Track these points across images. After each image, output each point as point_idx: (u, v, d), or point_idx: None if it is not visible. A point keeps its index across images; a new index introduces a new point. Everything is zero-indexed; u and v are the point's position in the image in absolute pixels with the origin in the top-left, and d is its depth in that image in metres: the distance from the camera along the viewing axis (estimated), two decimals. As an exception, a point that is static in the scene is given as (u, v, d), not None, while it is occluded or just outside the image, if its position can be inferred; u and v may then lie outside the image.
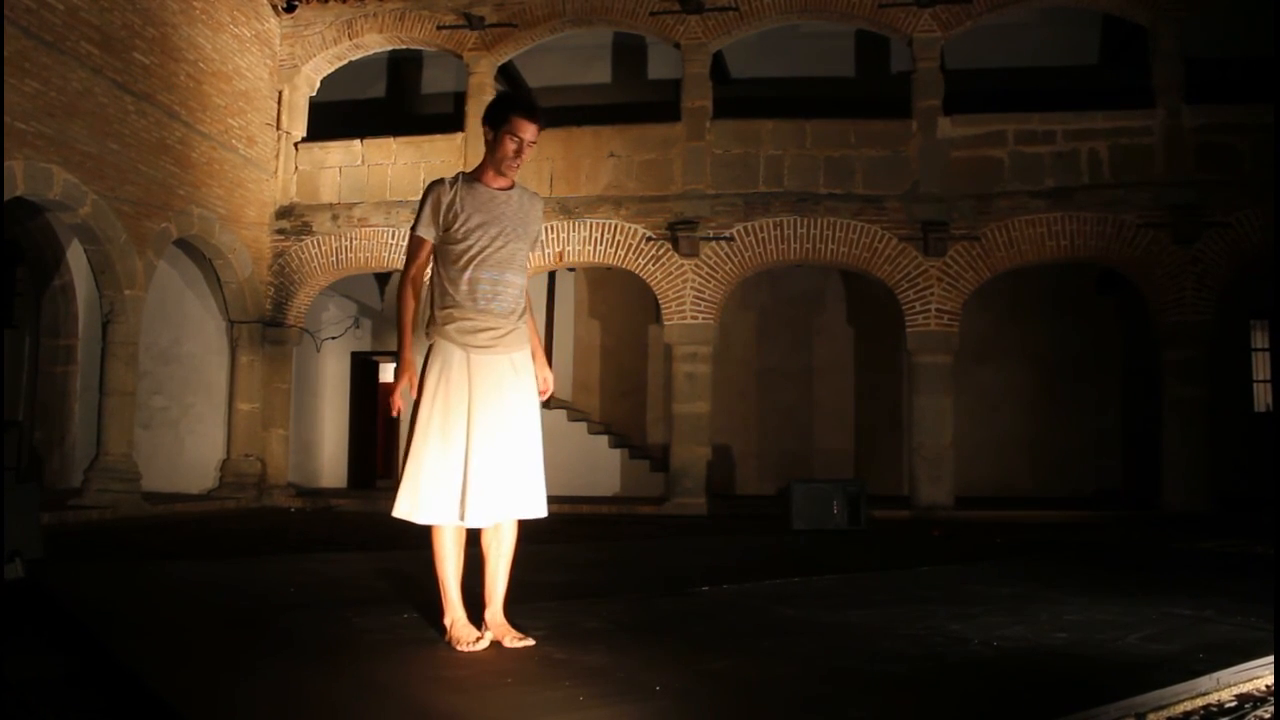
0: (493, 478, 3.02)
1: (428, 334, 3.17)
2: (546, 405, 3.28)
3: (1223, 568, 5.74)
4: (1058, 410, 12.66)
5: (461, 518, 3.02)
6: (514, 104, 3.14)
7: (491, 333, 3.09)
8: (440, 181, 3.19)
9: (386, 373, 14.63)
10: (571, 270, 13.19)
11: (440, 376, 3.07)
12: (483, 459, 3.01)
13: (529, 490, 3.10)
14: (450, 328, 3.09)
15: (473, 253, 3.09)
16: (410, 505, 3.02)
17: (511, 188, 3.20)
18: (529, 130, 3.11)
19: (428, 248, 3.18)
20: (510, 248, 3.15)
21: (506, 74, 12.78)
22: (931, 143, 10.70)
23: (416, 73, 14.13)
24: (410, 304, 3.15)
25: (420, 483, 3.01)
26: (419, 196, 3.21)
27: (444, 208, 3.12)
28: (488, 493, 3.01)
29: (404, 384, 3.10)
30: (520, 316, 3.17)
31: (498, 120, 3.12)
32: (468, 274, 3.09)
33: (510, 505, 3.06)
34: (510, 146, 3.11)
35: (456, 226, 3.11)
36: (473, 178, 3.19)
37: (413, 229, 3.18)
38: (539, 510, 3.12)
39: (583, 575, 5.08)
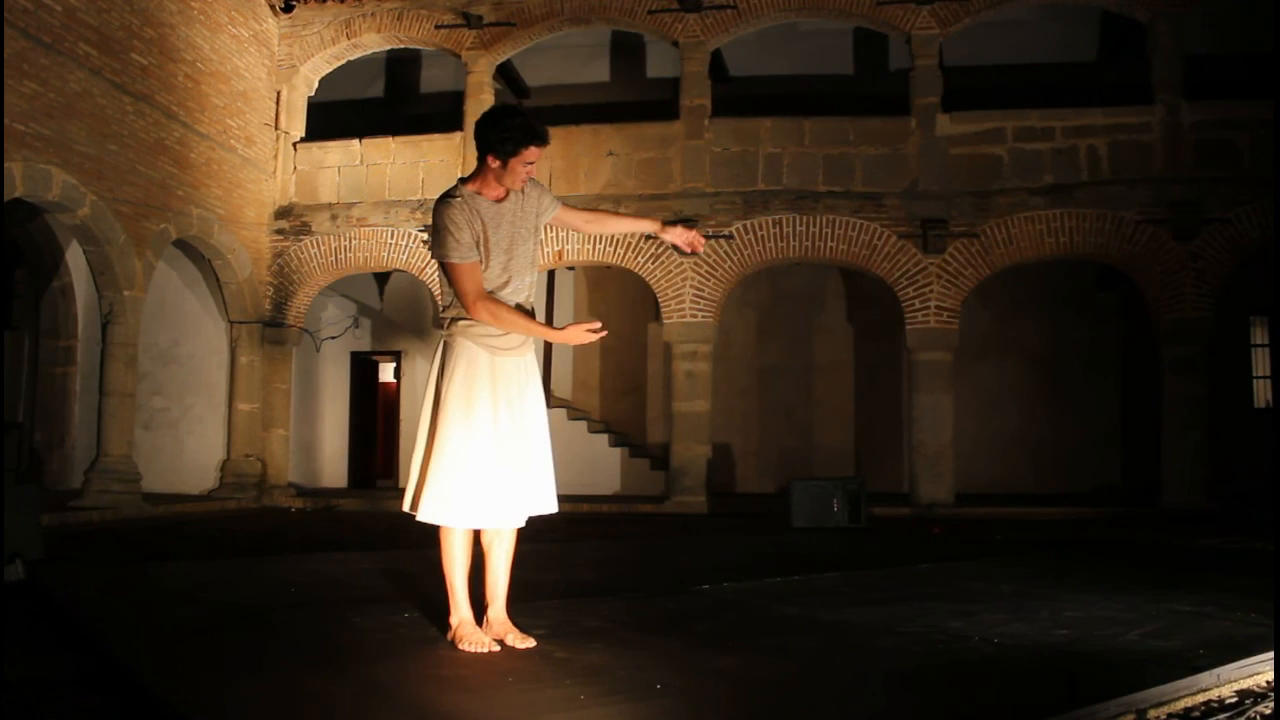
0: (521, 480, 3.07)
1: (447, 332, 3.14)
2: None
3: (1223, 564, 5.74)
4: (1057, 407, 12.66)
5: (496, 521, 3.05)
6: (522, 134, 3.01)
7: (514, 334, 3.11)
8: (449, 201, 3.06)
9: (386, 372, 14.67)
10: (571, 269, 13.19)
11: (465, 376, 3.06)
12: (511, 461, 3.05)
13: (546, 488, 3.16)
14: (476, 330, 3.08)
15: (494, 270, 3.09)
16: (436, 506, 3.00)
17: (506, 195, 3.15)
18: (538, 154, 3.08)
19: (478, 268, 3.04)
20: (520, 251, 3.15)
21: (505, 73, 12.77)
22: (930, 140, 10.70)
23: (415, 72, 14.11)
24: (511, 314, 3.02)
25: (449, 484, 2.99)
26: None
27: (468, 228, 3.03)
28: (517, 495, 3.06)
29: (581, 328, 2.97)
30: (532, 314, 3.19)
31: (508, 151, 3.02)
32: (490, 290, 3.08)
33: (532, 504, 3.12)
34: (523, 172, 3.08)
35: (478, 247, 3.07)
36: (471, 193, 3.09)
37: (448, 257, 3.00)
38: (552, 506, 3.18)
39: (583, 574, 5.08)
